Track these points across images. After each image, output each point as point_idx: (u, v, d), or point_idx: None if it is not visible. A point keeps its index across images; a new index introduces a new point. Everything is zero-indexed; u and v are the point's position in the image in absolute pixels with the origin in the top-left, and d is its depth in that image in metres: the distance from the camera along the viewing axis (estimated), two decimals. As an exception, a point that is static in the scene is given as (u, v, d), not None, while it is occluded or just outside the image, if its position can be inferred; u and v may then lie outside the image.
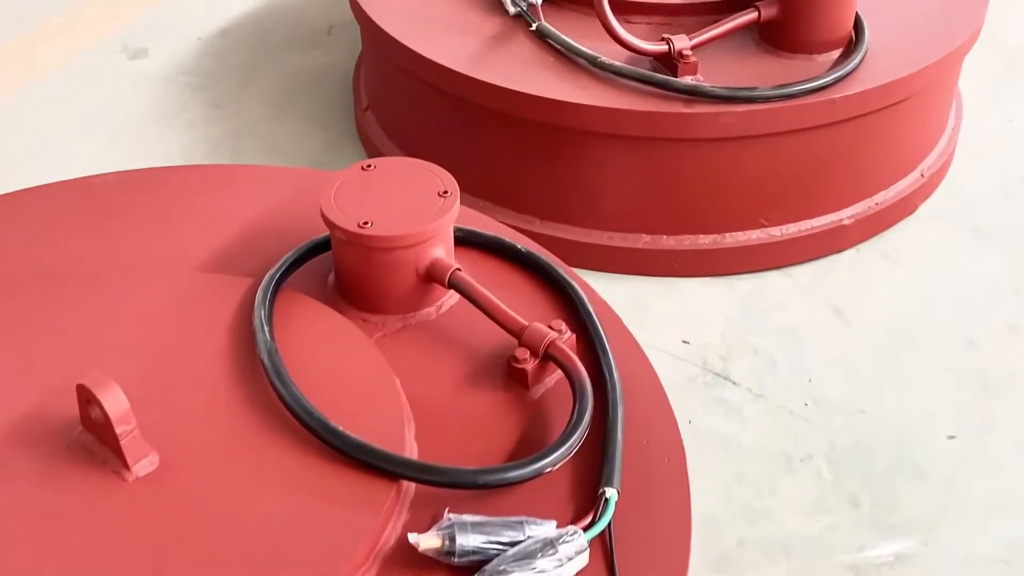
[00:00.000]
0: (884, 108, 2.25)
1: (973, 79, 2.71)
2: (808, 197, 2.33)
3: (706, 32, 2.23)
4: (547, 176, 2.31)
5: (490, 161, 2.37)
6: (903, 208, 2.46)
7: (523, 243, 1.70)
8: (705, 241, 2.32)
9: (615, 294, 2.13)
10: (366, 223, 1.48)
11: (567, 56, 2.27)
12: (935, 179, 2.52)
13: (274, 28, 3.19)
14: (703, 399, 2.07)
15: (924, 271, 2.36)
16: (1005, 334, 2.21)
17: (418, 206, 1.52)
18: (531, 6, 2.37)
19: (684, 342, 2.18)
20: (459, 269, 1.51)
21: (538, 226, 2.35)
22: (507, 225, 2.32)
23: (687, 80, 2.17)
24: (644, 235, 2.32)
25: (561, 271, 1.62)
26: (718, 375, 2.12)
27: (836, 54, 2.28)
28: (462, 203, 1.56)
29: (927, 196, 2.51)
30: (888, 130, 2.33)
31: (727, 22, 2.25)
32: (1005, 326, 2.23)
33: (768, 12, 2.25)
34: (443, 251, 1.53)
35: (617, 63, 2.20)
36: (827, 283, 2.33)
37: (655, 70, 2.22)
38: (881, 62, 2.25)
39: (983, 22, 2.42)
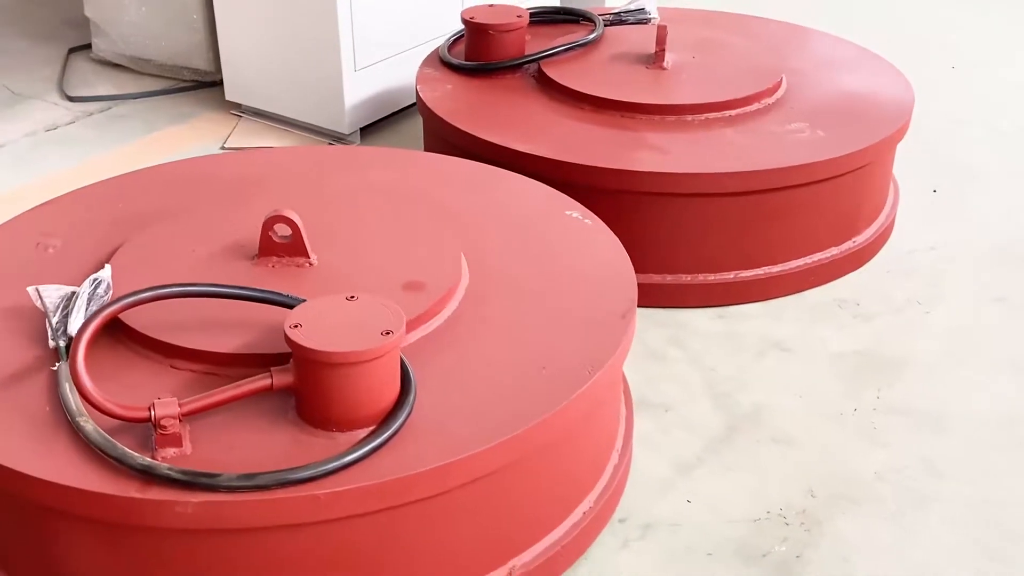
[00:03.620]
0: (408, 504, 1.87)
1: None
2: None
3: (204, 398, 1.89)
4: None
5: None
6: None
7: None
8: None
9: None
10: None
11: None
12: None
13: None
14: None
15: None
16: None
17: None
18: (72, 340, 2.07)
19: None
20: None
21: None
22: None
23: (146, 457, 1.82)
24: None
25: None
26: None
27: (364, 432, 1.91)
28: None
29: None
30: (434, 522, 1.93)
31: (231, 388, 1.90)
32: None
33: (282, 379, 1.90)
34: None
35: (90, 427, 1.86)
36: None
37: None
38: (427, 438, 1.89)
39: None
